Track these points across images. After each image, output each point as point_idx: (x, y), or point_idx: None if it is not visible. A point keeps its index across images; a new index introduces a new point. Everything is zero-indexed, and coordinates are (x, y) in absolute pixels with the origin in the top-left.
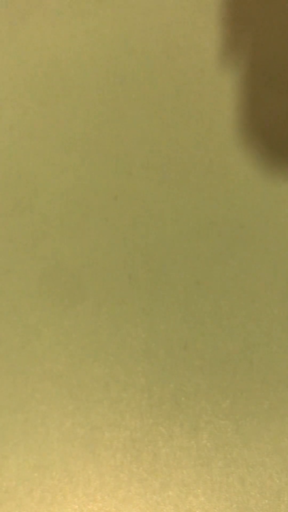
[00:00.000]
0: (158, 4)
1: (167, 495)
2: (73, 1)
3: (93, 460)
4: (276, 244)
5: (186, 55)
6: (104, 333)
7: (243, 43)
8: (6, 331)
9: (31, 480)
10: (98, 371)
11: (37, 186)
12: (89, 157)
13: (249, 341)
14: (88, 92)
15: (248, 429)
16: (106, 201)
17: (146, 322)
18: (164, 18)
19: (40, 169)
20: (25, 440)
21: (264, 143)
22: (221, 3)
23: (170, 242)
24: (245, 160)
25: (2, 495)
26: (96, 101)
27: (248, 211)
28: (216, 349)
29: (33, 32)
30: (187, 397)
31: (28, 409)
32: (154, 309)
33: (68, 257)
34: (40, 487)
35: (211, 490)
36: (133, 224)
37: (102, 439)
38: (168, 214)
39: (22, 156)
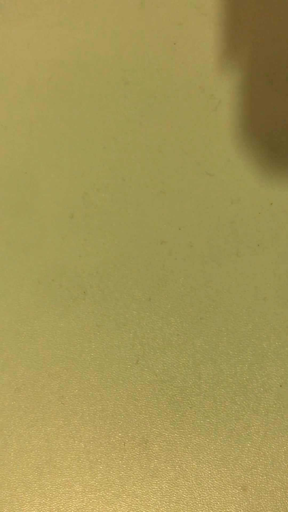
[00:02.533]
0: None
1: (119, 506)
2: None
3: (48, 471)
4: (225, 262)
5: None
6: (58, 348)
7: (243, 44)
8: None
9: None
10: (54, 385)
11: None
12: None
13: (197, 357)
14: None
15: (197, 442)
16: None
17: (100, 337)
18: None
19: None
20: None
21: (264, 143)
22: (221, 3)
23: (124, 259)
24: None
25: None
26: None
27: (195, 230)
28: (166, 364)
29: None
30: (139, 410)
31: None
32: (108, 324)
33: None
34: None
35: (161, 501)
36: (88, 241)
37: (57, 450)
38: (123, 231)
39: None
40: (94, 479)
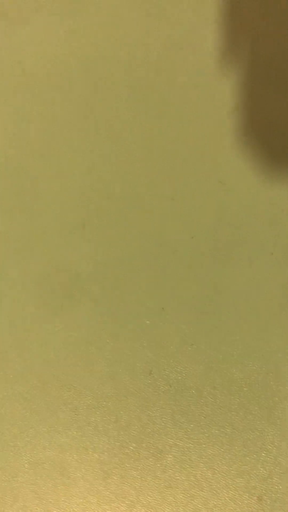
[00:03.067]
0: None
1: None
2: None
3: (62, 483)
4: (238, 271)
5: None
6: (71, 358)
7: (243, 44)
8: None
9: (1, 502)
10: (67, 395)
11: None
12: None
13: (211, 367)
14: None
15: (212, 452)
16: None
17: (112, 347)
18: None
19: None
20: None
21: (278, 151)
22: (221, 3)
23: (136, 268)
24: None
25: None
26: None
27: (208, 238)
28: (180, 374)
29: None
30: (153, 421)
31: None
32: (120, 334)
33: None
34: (11, 509)
35: None
36: (100, 249)
37: (71, 461)
38: (135, 240)
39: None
40: (109, 490)
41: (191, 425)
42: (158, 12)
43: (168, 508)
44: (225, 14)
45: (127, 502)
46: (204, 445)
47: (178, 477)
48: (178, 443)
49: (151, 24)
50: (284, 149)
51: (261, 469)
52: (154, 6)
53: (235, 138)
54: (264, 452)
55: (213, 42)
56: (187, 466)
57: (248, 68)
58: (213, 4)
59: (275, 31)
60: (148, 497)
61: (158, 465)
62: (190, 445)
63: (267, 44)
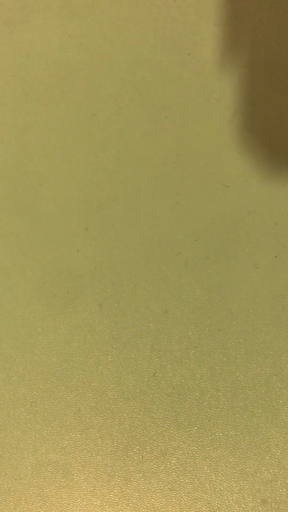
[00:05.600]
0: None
1: None
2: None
3: (66, 485)
4: (242, 274)
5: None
6: (75, 360)
7: (243, 43)
8: None
9: (4, 504)
10: (70, 398)
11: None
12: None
13: (215, 369)
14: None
15: (215, 455)
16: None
17: (116, 350)
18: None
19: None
20: None
21: (280, 154)
22: (221, 3)
23: (139, 271)
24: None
25: None
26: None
27: (212, 241)
28: (183, 376)
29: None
30: (156, 423)
31: (3, 434)
32: (124, 337)
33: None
34: (14, 511)
35: None
36: (104, 252)
37: (75, 464)
38: (139, 243)
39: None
40: (112, 493)
41: (195, 428)
42: (158, 12)
43: (172, 511)
44: (225, 14)
45: (130, 504)
46: (207, 448)
47: (182, 480)
48: (181, 446)
49: (151, 24)
50: (287, 151)
51: (265, 472)
52: (154, 7)
53: (237, 140)
54: (268, 455)
55: (213, 42)
56: (191, 468)
57: (248, 68)
58: (213, 4)
59: (275, 31)
60: (152, 500)
61: (162, 467)
62: (194, 447)
63: (267, 44)
